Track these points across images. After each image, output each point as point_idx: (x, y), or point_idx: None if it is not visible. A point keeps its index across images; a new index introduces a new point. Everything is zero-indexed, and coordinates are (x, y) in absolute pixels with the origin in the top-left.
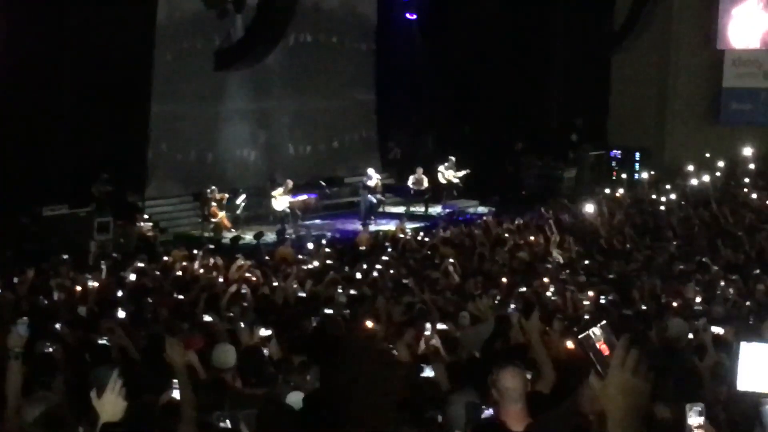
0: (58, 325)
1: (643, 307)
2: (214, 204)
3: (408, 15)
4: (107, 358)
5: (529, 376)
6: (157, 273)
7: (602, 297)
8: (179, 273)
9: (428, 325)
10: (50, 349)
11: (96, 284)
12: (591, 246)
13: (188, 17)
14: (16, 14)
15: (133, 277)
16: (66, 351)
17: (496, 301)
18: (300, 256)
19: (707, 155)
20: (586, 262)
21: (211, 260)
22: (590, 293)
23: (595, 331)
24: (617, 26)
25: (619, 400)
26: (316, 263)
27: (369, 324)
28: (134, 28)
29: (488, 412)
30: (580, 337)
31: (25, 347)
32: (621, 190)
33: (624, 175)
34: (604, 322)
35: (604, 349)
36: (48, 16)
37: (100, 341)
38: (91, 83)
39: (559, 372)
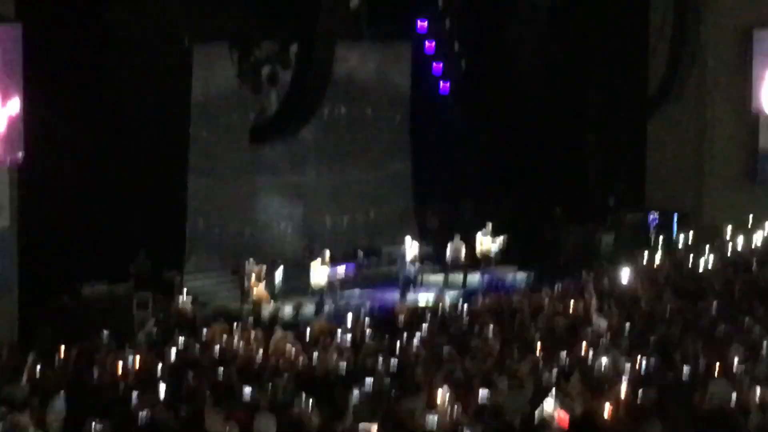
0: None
1: (686, 371)
2: (252, 277)
3: (441, 84)
4: None
5: None
6: (198, 348)
7: (644, 361)
8: (219, 347)
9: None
10: (98, 427)
11: (137, 360)
12: (632, 310)
13: (223, 93)
14: (56, 91)
15: (173, 352)
16: (111, 427)
17: (537, 368)
18: (339, 328)
19: (745, 216)
20: (627, 326)
21: (251, 334)
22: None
23: (549, 402)
24: (652, 90)
25: None
26: (355, 334)
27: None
28: (170, 104)
29: None
30: (536, 415)
31: (66, 423)
32: (660, 254)
33: (663, 238)
34: (554, 390)
35: None
36: (86, 94)
37: (142, 416)
38: (128, 160)
39: None
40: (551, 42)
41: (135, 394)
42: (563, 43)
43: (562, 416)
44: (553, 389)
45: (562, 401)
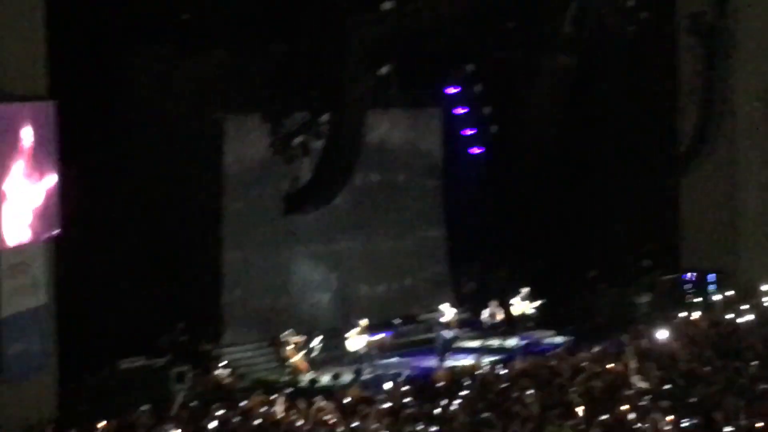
0: None
1: (728, 430)
2: (290, 348)
3: (473, 149)
4: None
5: None
6: (237, 419)
7: (685, 421)
8: (259, 418)
9: None
10: None
11: None
12: (671, 371)
13: (256, 164)
14: (90, 167)
15: (213, 425)
16: None
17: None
18: (378, 395)
19: None
20: (667, 386)
21: (290, 404)
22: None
23: None
24: (684, 148)
25: None
26: (393, 401)
27: None
28: (204, 178)
29: None
30: None
31: None
32: (697, 313)
33: (699, 298)
34: None
35: None
36: (120, 168)
37: None
38: (162, 233)
39: None
40: (581, 104)
41: None
42: (592, 104)
43: None
44: None
45: None
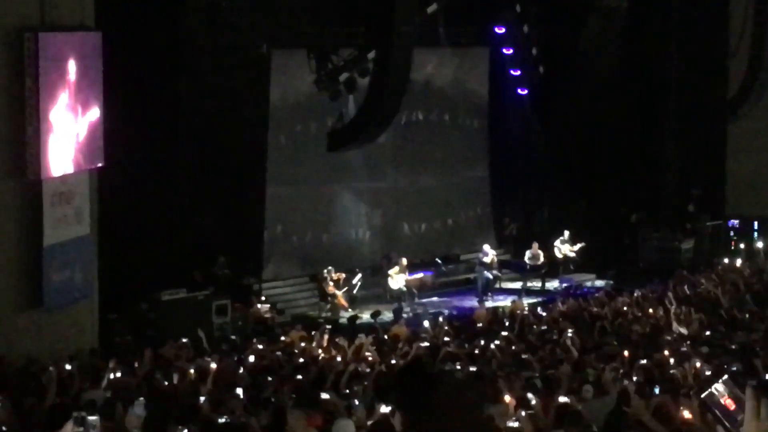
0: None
1: None
2: (330, 284)
3: (519, 90)
4: None
5: None
6: (277, 354)
7: (725, 367)
8: (298, 353)
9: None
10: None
11: (214, 366)
12: (712, 317)
13: (301, 100)
14: (135, 99)
15: (252, 358)
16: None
17: (618, 375)
18: (417, 334)
19: None
20: (708, 333)
21: (329, 340)
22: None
23: (718, 387)
24: (732, 93)
25: None
26: (433, 340)
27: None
28: (248, 111)
29: None
30: (703, 395)
31: (146, 429)
32: (740, 260)
33: (743, 245)
34: (726, 377)
35: (730, 404)
36: (165, 101)
37: (221, 420)
38: (205, 167)
39: None
40: (629, 46)
41: (214, 399)
42: (641, 47)
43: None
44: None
45: (732, 391)
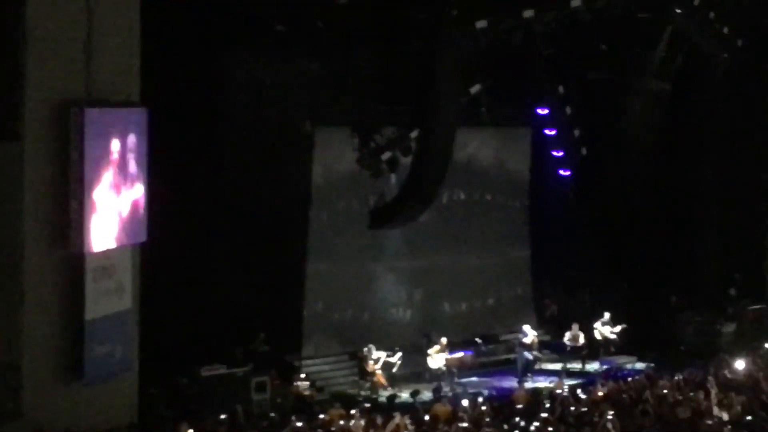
0: None
1: None
2: (371, 362)
3: (561, 171)
4: None
5: None
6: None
7: None
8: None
9: None
10: None
11: None
12: (753, 402)
13: (343, 177)
14: (179, 176)
15: None
16: None
17: None
18: (457, 414)
19: None
20: (749, 417)
21: (368, 418)
22: None
23: None
24: None
25: None
26: (472, 420)
27: None
28: (291, 188)
29: None
30: None
31: None
32: None
33: None
34: None
35: None
36: (208, 177)
37: None
38: (247, 243)
39: None
40: (671, 129)
41: None
42: (683, 130)
43: None
44: None
45: None
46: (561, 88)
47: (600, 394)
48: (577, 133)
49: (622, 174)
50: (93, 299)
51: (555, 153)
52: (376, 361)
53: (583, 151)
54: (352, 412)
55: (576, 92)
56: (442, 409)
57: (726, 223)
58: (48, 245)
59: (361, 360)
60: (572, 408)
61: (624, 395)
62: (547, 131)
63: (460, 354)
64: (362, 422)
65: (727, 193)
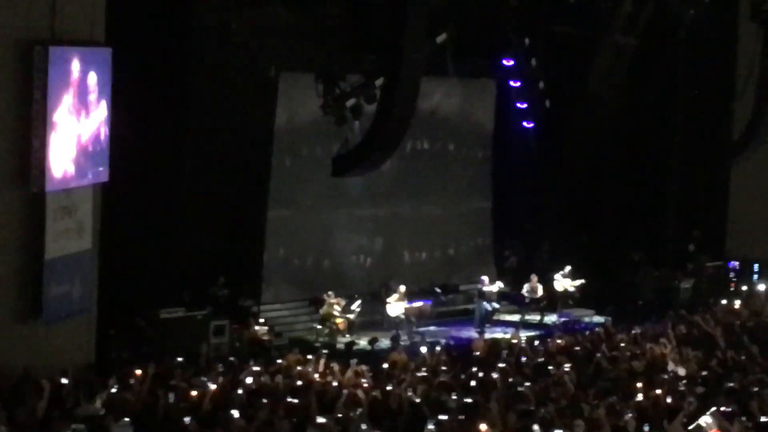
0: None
1: (763, 419)
2: (329, 308)
3: (525, 123)
4: None
5: None
6: (277, 377)
7: (721, 409)
8: (294, 376)
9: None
10: None
11: (213, 387)
12: (709, 357)
13: (307, 123)
14: (141, 116)
15: (249, 380)
16: None
17: (613, 411)
18: (414, 362)
19: None
20: (704, 373)
21: (326, 365)
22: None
23: (706, 419)
24: (737, 135)
25: None
26: (429, 369)
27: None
28: (253, 133)
29: None
30: (690, 427)
31: None
32: (738, 302)
33: (742, 287)
34: (713, 408)
35: None
36: (171, 119)
37: None
38: (209, 187)
39: None
40: (636, 84)
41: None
42: (648, 85)
43: None
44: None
45: (720, 423)
46: (527, 40)
47: (557, 344)
48: (541, 85)
49: (586, 128)
50: (53, 239)
51: (519, 105)
52: (335, 306)
53: (547, 103)
54: (310, 357)
55: (542, 45)
56: (398, 357)
57: (687, 179)
58: (9, 184)
59: (320, 306)
60: (529, 359)
61: (581, 348)
62: (511, 83)
63: (419, 303)
64: (320, 368)
65: (689, 150)
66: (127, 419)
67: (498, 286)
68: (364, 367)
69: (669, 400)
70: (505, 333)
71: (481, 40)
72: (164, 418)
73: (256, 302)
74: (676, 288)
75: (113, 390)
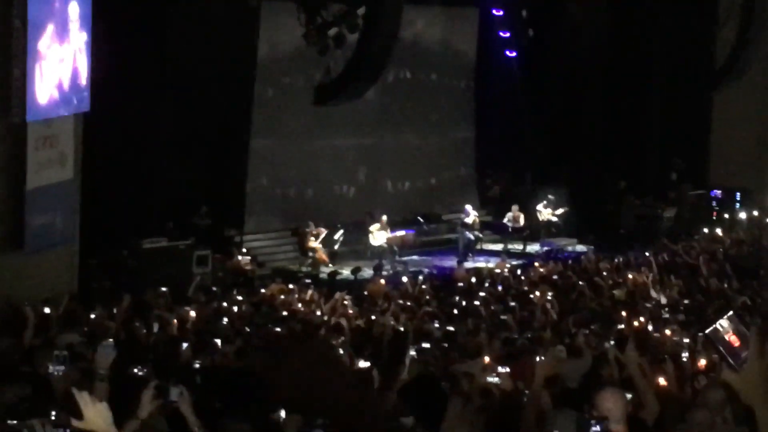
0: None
1: None
2: (312, 239)
3: (507, 53)
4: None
5: (629, 396)
6: (255, 306)
7: (702, 336)
8: (277, 306)
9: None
10: (140, 373)
11: (194, 315)
12: (691, 285)
13: (289, 53)
14: (122, 47)
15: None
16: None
17: (594, 338)
18: (396, 291)
19: None
20: (686, 301)
21: (309, 294)
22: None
23: (723, 323)
24: (719, 64)
25: (764, 388)
26: (412, 298)
27: None
28: (235, 62)
29: (596, 429)
30: (707, 331)
31: (113, 370)
32: (720, 230)
33: (724, 215)
34: (731, 313)
35: (734, 340)
36: (152, 49)
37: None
38: (191, 117)
39: (663, 404)
40: (618, 13)
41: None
42: (630, 15)
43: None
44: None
45: (736, 327)
46: None
47: (540, 274)
48: (524, 14)
49: (569, 57)
50: (34, 169)
51: (502, 34)
52: (317, 236)
53: (530, 32)
54: (293, 287)
55: None
56: (382, 286)
57: (670, 109)
58: None
59: (302, 236)
60: (512, 287)
61: (563, 276)
62: (494, 11)
63: (401, 232)
64: (302, 297)
65: (672, 77)
66: (110, 339)
67: (474, 215)
68: (346, 296)
69: (651, 327)
70: (489, 263)
71: None
72: (147, 347)
73: (239, 232)
74: (658, 217)
75: (94, 316)
